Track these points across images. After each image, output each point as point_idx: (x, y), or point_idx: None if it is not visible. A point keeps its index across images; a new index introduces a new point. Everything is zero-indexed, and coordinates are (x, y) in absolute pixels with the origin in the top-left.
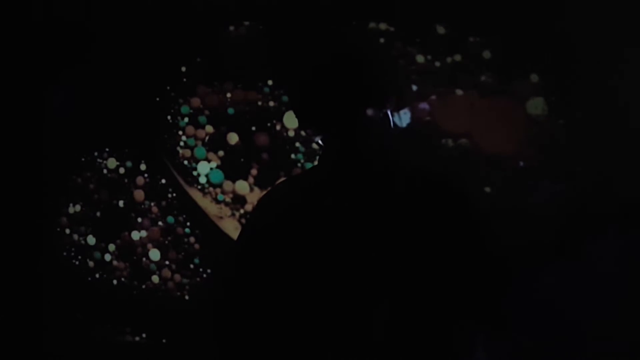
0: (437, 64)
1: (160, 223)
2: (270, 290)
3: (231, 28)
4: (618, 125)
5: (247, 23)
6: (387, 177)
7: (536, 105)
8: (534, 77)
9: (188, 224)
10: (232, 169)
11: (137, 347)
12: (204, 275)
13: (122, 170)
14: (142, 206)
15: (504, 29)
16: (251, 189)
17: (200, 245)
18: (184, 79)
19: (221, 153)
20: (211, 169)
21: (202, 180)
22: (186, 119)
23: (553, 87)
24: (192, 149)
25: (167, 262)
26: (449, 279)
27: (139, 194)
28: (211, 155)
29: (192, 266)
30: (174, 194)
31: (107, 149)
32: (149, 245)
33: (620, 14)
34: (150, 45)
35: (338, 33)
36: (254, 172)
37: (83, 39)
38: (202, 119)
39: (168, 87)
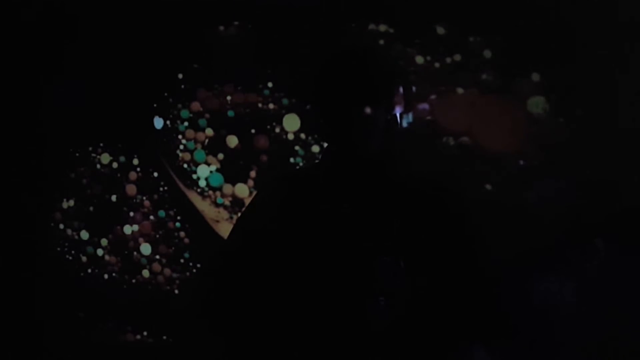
0: (437, 64)
1: (151, 217)
2: (262, 288)
3: (221, 28)
4: (618, 124)
5: (236, 23)
6: (387, 178)
7: (537, 104)
8: (535, 76)
9: (179, 218)
10: (231, 172)
11: (136, 346)
12: (194, 270)
13: (115, 165)
14: (135, 200)
15: (504, 28)
16: (250, 193)
17: (190, 240)
18: (182, 85)
19: (221, 156)
20: (211, 172)
21: (202, 183)
22: (186, 123)
23: (553, 86)
24: (191, 152)
25: (157, 257)
26: (445, 280)
27: (131, 189)
28: (211, 158)
29: (182, 260)
30: (165, 188)
31: (101, 144)
32: (141, 240)
33: (620, 12)
34: (148, 48)
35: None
36: (253, 174)
37: (81, 38)
38: (202, 122)
39: (166, 94)
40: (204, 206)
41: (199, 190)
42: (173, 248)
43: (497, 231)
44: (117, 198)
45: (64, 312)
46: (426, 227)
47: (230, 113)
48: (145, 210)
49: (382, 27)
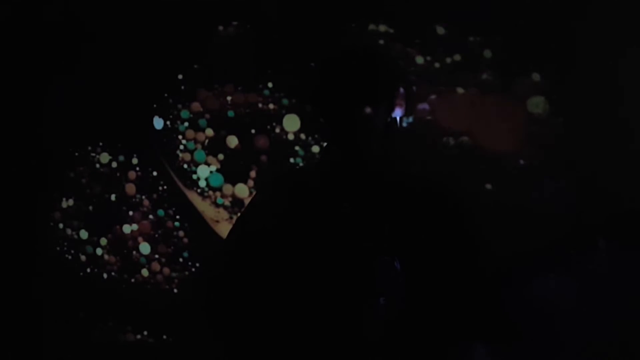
0: (437, 64)
1: (151, 216)
2: (262, 288)
3: (221, 28)
4: (618, 124)
5: (235, 23)
6: (387, 178)
7: (537, 104)
8: (535, 76)
9: (178, 217)
10: (231, 172)
11: (136, 346)
12: (193, 270)
13: (114, 165)
14: (134, 200)
15: (504, 28)
16: (250, 193)
17: (189, 239)
18: (182, 86)
19: (221, 156)
20: (211, 172)
21: (202, 184)
22: (186, 123)
23: (554, 86)
24: (191, 152)
25: (156, 256)
26: (444, 279)
27: (131, 188)
28: (211, 158)
29: (181, 260)
30: (165, 187)
31: (100, 144)
32: (140, 239)
33: (621, 12)
34: (148, 48)
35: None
36: (253, 174)
37: (81, 38)
38: (202, 122)
39: (166, 94)
40: (204, 206)
41: (199, 190)
42: (172, 247)
43: (497, 231)
44: (116, 197)
45: (64, 312)
46: (426, 227)
47: (230, 113)
48: (145, 209)
49: (382, 27)
